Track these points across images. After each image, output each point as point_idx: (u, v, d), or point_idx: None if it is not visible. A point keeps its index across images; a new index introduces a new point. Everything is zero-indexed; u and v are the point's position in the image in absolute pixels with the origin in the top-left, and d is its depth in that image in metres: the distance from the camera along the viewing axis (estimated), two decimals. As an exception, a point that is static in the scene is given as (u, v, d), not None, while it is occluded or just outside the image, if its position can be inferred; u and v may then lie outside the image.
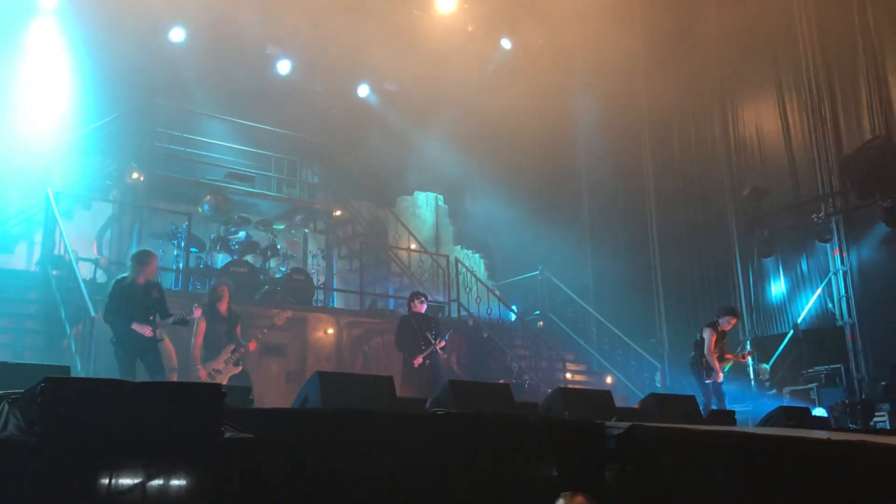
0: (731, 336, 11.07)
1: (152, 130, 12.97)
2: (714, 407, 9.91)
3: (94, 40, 12.81)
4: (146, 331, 7.76)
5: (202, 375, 8.44)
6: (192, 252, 11.43)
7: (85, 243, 11.33)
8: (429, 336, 9.65)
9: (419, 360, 9.46)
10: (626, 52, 15.55)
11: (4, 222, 11.55)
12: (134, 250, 11.96)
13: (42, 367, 5.07)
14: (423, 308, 10.01)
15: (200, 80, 13.64)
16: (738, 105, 14.57)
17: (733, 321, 10.52)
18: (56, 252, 9.77)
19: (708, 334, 10.23)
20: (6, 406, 3.24)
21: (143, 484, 3.40)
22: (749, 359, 12.14)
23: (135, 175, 12.34)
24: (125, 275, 8.12)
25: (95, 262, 10.49)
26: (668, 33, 14.63)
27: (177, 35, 13.82)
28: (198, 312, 8.26)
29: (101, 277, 10.28)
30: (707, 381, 10.09)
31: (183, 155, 13.63)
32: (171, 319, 8.03)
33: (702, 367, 10.19)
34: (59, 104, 12.65)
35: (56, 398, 3.12)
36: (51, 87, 12.75)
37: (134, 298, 7.83)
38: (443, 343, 9.73)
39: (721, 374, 10.10)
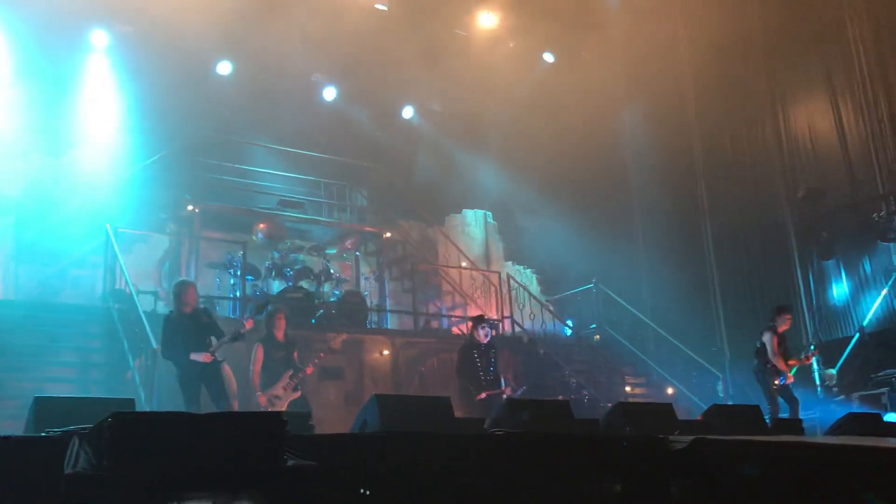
0: (794, 341, 10.84)
1: (204, 163, 13.25)
2: (785, 415, 9.67)
3: (145, 77, 13.18)
4: (204, 357, 7.94)
5: (262, 402, 8.54)
6: (248, 280, 11.62)
7: (144, 276, 11.62)
8: (488, 371, 9.40)
9: (482, 396, 9.15)
10: (671, 58, 15.44)
11: (67, 258, 11.89)
12: (192, 280, 12.33)
13: (107, 401, 5.19)
14: (486, 338, 9.61)
15: (249, 111, 13.90)
16: (789, 105, 14.28)
17: (788, 318, 10.28)
18: (117, 286, 10.01)
19: (768, 338, 10.04)
20: (76, 441, 3.32)
21: (210, 513, 3.45)
22: (814, 362, 11.84)
23: (189, 207, 12.63)
24: (171, 309, 8.38)
25: (155, 294, 10.73)
26: (713, 35, 14.41)
27: (224, 68, 14.15)
28: (249, 325, 8.38)
29: (161, 309, 10.49)
30: (777, 385, 9.85)
31: (235, 185, 13.90)
32: (225, 338, 8.18)
33: (767, 373, 9.98)
34: (114, 141, 13.03)
35: (123, 432, 3.19)
36: (106, 125, 13.15)
37: (185, 329, 8.03)
38: (509, 390, 9.48)
39: (791, 376, 9.87)
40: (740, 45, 14.44)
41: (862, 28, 13.11)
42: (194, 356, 7.89)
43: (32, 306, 10.21)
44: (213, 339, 8.18)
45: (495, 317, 13.53)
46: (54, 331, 9.24)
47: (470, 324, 9.96)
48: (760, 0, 14.40)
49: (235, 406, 9.45)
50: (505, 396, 9.22)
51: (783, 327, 10.16)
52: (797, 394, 10.32)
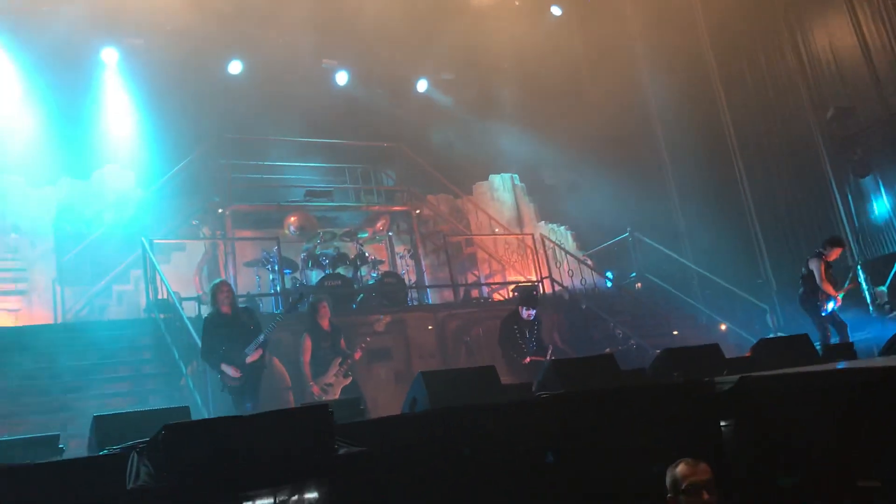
0: (839, 263, 10.68)
1: (228, 164, 13.38)
2: (835, 340, 9.58)
3: (159, 87, 13.34)
4: (232, 371, 7.84)
5: (315, 392, 8.69)
6: (286, 273, 11.77)
7: (186, 283, 11.84)
8: (530, 340, 9.67)
9: (528, 360, 9.46)
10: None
11: (108, 275, 12.16)
12: (231, 280, 12.52)
13: (164, 412, 5.32)
14: (530, 318, 9.82)
15: (265, 107, 13.97)
16: (807, 24, 13.87)
17: (838, 251, 10.18)
18: (160, 296, 10.22)
19: (815, 264, 9.96)
20: (135, 457, 3.44)
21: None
22: (862, 281, 11.67)
23: (220, 210, 12.80)
24: (211, 310, 8.31)
25: (198, 298, 10.92)
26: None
27: (235, 68, 14.23)
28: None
29: (205, 313, 10.69)
30: (825, 312, 9.77)
31: (261, 182, 14.03)
32: (259, 341, 7.99)
33: (816, 300, 9.88)
34: (138, 155, 13.24)
35: (177, 444, 3.30)
36: (128, 140, 13.35)
37: (223, 332, 8.02)
38: (550, 354, 9.66)
39: (840, 300, 9.80)
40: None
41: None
42: (224, 367, 7.86)
43: (81, 327, 10.47)
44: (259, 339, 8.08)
45: (534, 278, 13.54)
46: (106, 347, 9.47)
47: (515, 294, 10.05)
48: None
49: (291, 399, 9.66)
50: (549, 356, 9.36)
51: (831, 257, 10.06)
52: (848, 316, 10.21)
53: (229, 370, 7.85)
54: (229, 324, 8.09)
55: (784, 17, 14.11)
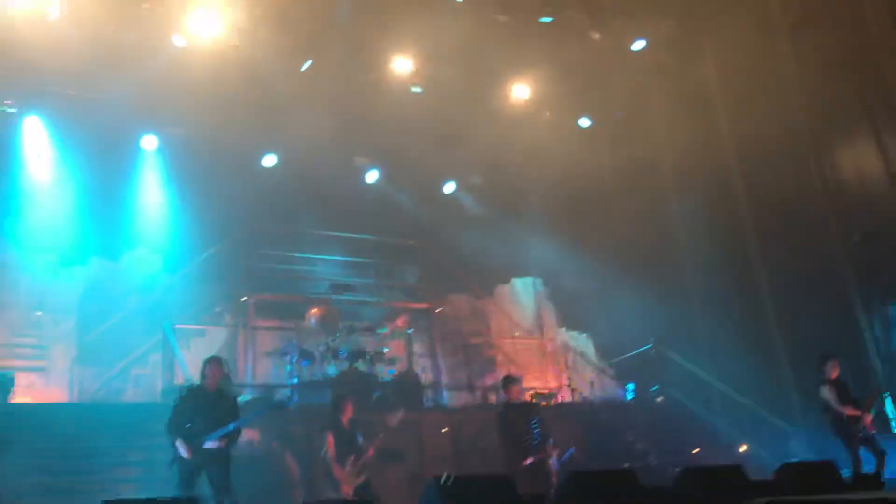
0: (865, 389, 10.43)
1: (255, 253, 13.55)
2: (869, 468, 9.18)
3: (195, 176, 13.71)
4: (185, 451, 7.48)
5: (345, 491, 8.45)
6: (303, 365, 11.71)
7: (202, 369, 11.78)
8: (531, 432, 8.80)
9: (528, 461, 8.64)
10: (705, 103, 15.40)
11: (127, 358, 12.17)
12: (249, 370, 12.48)
13: (174, 502, 5.23)
14: (520, 395, 9.29)
15: (295, 200, 14.27)
16: (834, 148, 14.00)
17: (832, 363, 9.81)
18: (176, 382, 10.18)
19: (825, 391, 9.61)
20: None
21: None
22: (889, 410, 11.34)
23: (243, 298, 12.88)
24: (195, 384, 8.12)
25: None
26: (748, 83, 14.39)
27: (269, 161, 14.60)
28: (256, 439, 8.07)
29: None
30: (860, 435, 9.33)
31: (286, 273, 14.15)
32: (227, 431, 7.63)
33: (842, 425, 9.50)
34: (168, 240, 13.47)
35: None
36: (159, 224, 13.62)
37: (199, 408, 7.72)
38: (556, 453, 8.82)
39: (869, 420, 9.32)
40: (776, 90, 14.33)
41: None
42: (179, 444, 7.51)
43: (96, 408, 10.43)
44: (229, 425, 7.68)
45: (554, 385, 13.36)
46: (119, 431, 9.38)
47: (501, 389, 9.55)
48: (789, 37, 14.30)
49: (296, 496, 9.44)
50: (552, 460, 8.76)
51: (834, 374, 9.74)
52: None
53: (182, 449, 7.50)
54: (205, 402, 7.81)
55: (811, 142, 14.27)
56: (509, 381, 9.34)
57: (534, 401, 9.50)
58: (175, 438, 7.56)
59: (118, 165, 13.47)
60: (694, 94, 15.54)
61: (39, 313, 12.20)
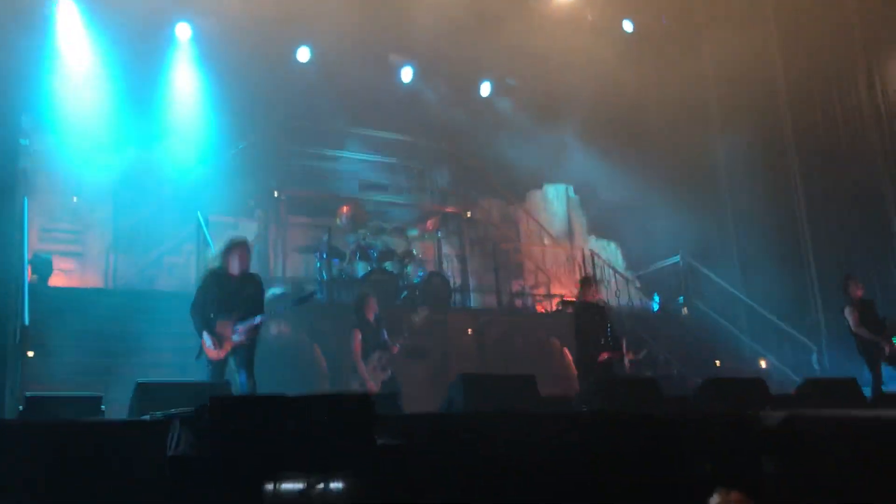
0: (894, 310, 10.34)
1: (288, 149, 13.54)
2: (894, 389, 9.23)
3: (228, 67, 13.52)
4: (213, 347, 6.96)
5: (371, 387, 8.64)
6: (334, 263, 11.84)
7: (235, 262, 11.96)
8: (606, 332, 8.81)
9: (604, 356, 8.68)
10: (756, 18, 14.84)
11: (161, 246, 12.38)
12: (279, 265, 12.63)
13: (206, 386, 5.40)
14: (598, 295, 9.29)
15: (328, 96, 14.08)
16: (885, 67, 13.53)
17: (854, 284, 9.72)
18: (209, 272, 10.32)
19: (848, 312, 9.55)
20: (178, 425, 3.48)
21: (304, 492, 3.57)
22: None
23: (275, 193, 12.95)
24: (217, 266, 7.29)
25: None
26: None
27: (303, 55, 14.36)
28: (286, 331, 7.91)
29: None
30: (880, 359, 9.33)
31: (318, 170, 14.15)
32: (254, 323, 7.04)
33: (865, 345, 9.51)
34: (201, 131, 13.43)
35: (220, 416, 3.33)
36: (193, 116, 13.56)
37: (223, 294, 7.05)
38: (631, 354, 9.24)
39: (889, 343, 9.26)
40: (829, 3, 13.75)
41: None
42: (206, 338, 6.94)
43: (131, 294, 10.67)
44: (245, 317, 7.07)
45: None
46: (152, 317, 9.60)
47: (577, 286, 9.53)
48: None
49: (325, 386, 9.71)
50: (627, 359, 9.02)
51: (858, 295, 9.65)
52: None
53: (209, 342, 6.94)
54: (229, 289, 7.09)
55: (863, 56, 13.75)
56: (586, 282, 9.41)
57: (602, 304, 9.33)
58: (202, 329, 6.99)
59: (152, 55, 13.33)
60: (742, 3, 14.94)
61: (76, 199, 12.38)
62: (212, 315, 7.04)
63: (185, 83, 13.66)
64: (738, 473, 4.41)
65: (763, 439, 4.53)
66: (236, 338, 7.00)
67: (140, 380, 5.15)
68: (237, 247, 7.24)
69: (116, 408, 6.26)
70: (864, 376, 9.07)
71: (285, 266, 12.67)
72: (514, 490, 4.11)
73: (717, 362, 12.28)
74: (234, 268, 7.15)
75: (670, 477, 4.35)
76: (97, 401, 5.12)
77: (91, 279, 12.09)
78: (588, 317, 8.99)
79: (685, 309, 14.07)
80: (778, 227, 14.91)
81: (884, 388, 9.19)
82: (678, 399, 6.31)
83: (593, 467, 4.37)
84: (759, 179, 15.32)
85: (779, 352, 12.92)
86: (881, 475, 4.06)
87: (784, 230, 14.80)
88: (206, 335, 6.96)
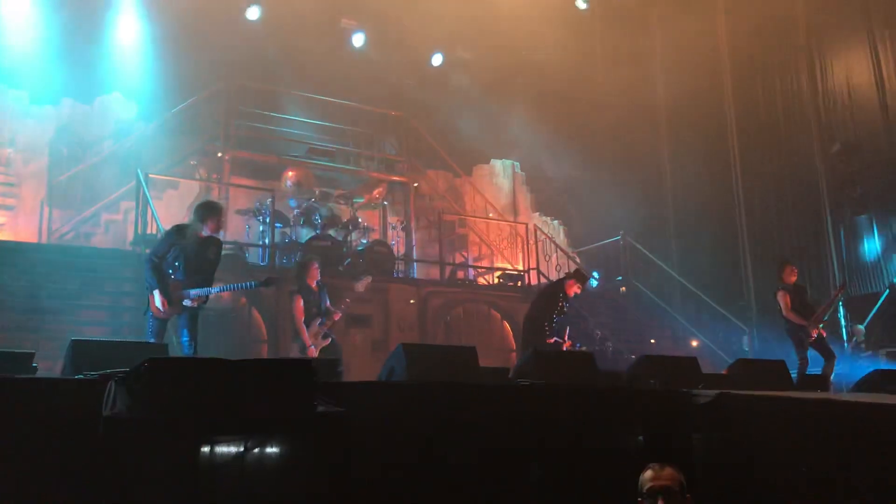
0: (824, 295, 10.69)
1: (234, 110, 13.27)
2: (815, 370, 9.51)
3: (174, 22, 13.14)
4: (161, 304, 6.78)
5: (311, 353, 8.57)
6: (276, 227, 11.70)
7: (175, 220, 11.66)
8: (553, 320, 9.35)
9: (551, 340, 9.18)
10: (705, 1, 15.08)
11: (99, 203, 12.06)
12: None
13: (142, 346, 5.31)
14: (574, 297, 9.60)
15: (277, 58, 13.82)
16: (827, 55, 13.92)
17: (790, 269, 9.87)
18: (148, 231, 10.14)
19: (780, 297, 9.70)
20: (113, 385, 3.42)
21: (241, 456, 3.56)
22: (841, 317, 11.70)
23: (219, 154, 12.70)
24: (187, 223, 7.25)
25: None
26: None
27: (253, 13, 14.04)
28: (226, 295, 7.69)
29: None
30: (811, 339, 9.59)
31: (264, 132, 13.91)
32: (208, 292, 7.00)
33: (793, 329, 9.76)
34: (144, 87, 13.04)
35: (158, 377, 3.28)
36: (136, 71, 13.15)
37: (187, 252, 6.96)
38: (569, 343, 9.48)
39: (816, 328, 9.48)
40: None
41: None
42: (156, 295, 6.79)
43: (66, 250, 10.38)
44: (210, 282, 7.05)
45: (521, 267, 13.56)
46: (88, 275, 9.39)
47: (574, 281, 9.71)
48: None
49: (263, 353, 9.65)
50: (565, 347, 9.24)
51: (791, 280, 9.82)
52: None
53: (158, 301, 6.78)
54: (192, 249, 6.99)
55: (805, 44, 14.12)
56: (580, 278, 9.70)
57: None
58: (155, 285, 6.84)
59: (96, 5, 12.88)
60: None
61: (10, 150, 11.96)
62: (170, 272, 6.94)
63: (129, 34, 13.23)
64: (670, 448, 4.54)
65: (694, 416, 4.67)
66: (187, 303, 6.95)
67: (75, 338, 5.02)
68: (220, 212, 7.24)
69: (49, 366, 6.13)
70: (792, 359, 9.37)
71: (227, 228, 12.46)
72: (453, 458, 4.17)
73: (652, 340, 12.57)
74: (206, 231, 7.08)
75: (604, 448, 4.47)
76: (29, 358, 4.97)
77: (25, 233, 11.72)
78: (554, 297, 9.47)
79: (623, 287, 14.34)
80: (715, 210, 15.30)
81: (808, 372, 9.52)
82: (613, 373, 6.44)
83: (530, 437, 4.46)
84: (700, 162, 15.67)
85: (711, 333, 13.29)
86: (806, 453, 4.24)
87: (721, 214, 15.20)
88: (157, 293, 6.84)
